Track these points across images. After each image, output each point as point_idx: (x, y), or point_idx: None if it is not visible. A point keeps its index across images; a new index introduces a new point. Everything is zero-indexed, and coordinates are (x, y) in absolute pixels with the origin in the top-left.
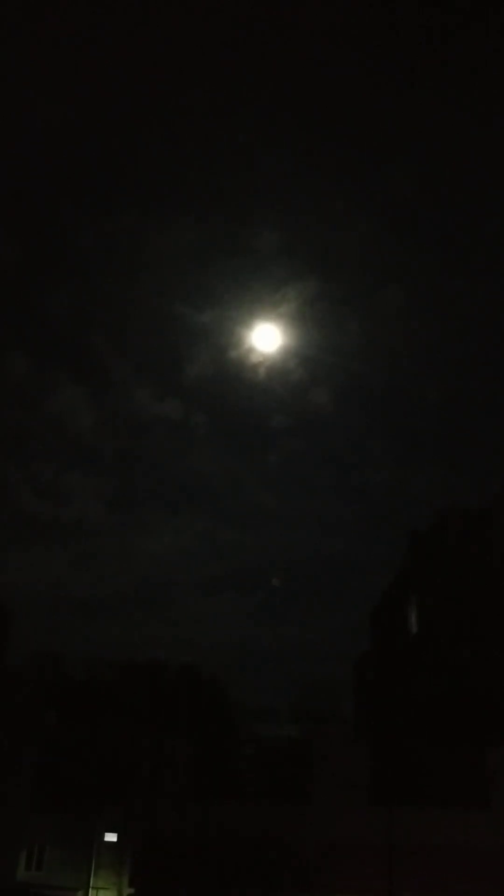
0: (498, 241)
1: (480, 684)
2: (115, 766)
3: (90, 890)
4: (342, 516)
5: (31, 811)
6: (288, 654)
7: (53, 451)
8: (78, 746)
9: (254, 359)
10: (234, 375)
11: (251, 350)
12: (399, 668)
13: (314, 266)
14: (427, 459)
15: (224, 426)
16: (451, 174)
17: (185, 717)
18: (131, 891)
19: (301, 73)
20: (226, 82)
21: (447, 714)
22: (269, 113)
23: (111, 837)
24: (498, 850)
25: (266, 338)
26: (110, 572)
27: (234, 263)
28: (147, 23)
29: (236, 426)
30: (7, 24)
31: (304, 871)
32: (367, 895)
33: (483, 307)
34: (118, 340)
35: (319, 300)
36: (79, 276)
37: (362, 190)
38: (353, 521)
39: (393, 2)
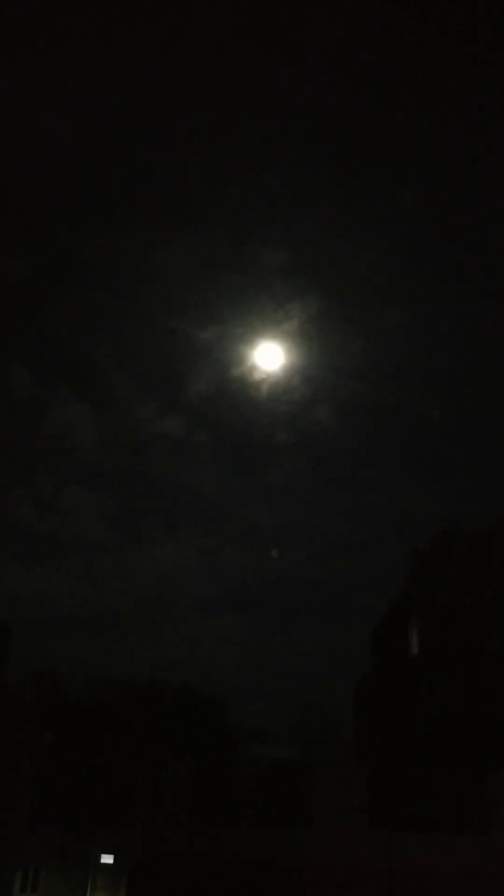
0: (502, 261)
1: (482, 707)
2: (113, 786)
3: None
4: (343, 535)
5: (27, 831)
6: (288, 675)
7: (54, 467)
8: (75, 766)
9: (256, 376)
10: (237, 393)
11: (254, 368)
12: (400, 689)
13: (317, 284)
14: (429, 479)
15: (226, 444)
16: (455, 193)
17: (184, 738)
18: None
19: (306, 91)
20: (230, 99)
21: (448, 737)
22: (273, 130)
23: (107, 859)
24: (499, 875)
25: (269, 355)
26: (110, 589)
27: (237, 281)
28: (150, 37)
29: (238, 444)
30: (10, 39)
31: (304, 895)
32: None
33: (487, 327)
34: (120, 357)
35: (322, 318)
36: (81, 292)
37: (366, 208)
38: (354, 541)
39: (400, 22)
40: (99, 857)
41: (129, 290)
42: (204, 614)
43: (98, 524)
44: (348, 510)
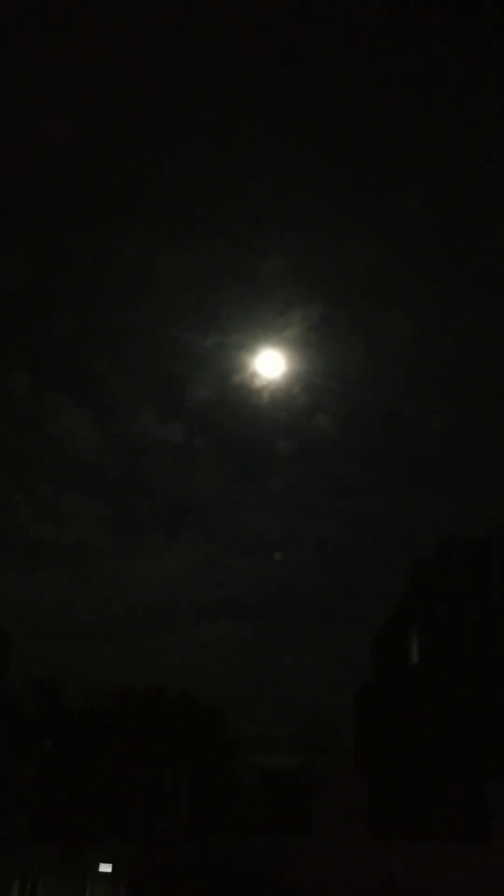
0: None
1: (481, 715)
2: (112, 794)
3: None
4: (344, 543)
5: (26, 840)
6: (288, 683)
7: (54, 473)
8: (75, 774)
9: (257, 383)
10: (238, 400)
11: (255, 375)
12: (400, 698)
13: (319, 291)
14: (430, 487)
15: (226, 450)
16: (456, 198)
17: (184, 746)
18: None
19: (306, 98)
20: (230, 106)
21: (448, 745)
22: (273, 138)
23: (106, 868)
24: (498, 885)
25: (270, 363)
26: (110, 596)
27: (238, 288)
28: (150, 37)
29: (238, 451)
30: (10, 39)
31: None
32: None
33: (488, 335)
34: (121, 363)
35: (324, 326)
36: (82, 299)
37: (367, 215)
38: (354, 548)
39: (400, 22)
40: (97, 866)
41: (130, 298)
42: (204, 621)
43: (98, 530)
44: (349, 517)
